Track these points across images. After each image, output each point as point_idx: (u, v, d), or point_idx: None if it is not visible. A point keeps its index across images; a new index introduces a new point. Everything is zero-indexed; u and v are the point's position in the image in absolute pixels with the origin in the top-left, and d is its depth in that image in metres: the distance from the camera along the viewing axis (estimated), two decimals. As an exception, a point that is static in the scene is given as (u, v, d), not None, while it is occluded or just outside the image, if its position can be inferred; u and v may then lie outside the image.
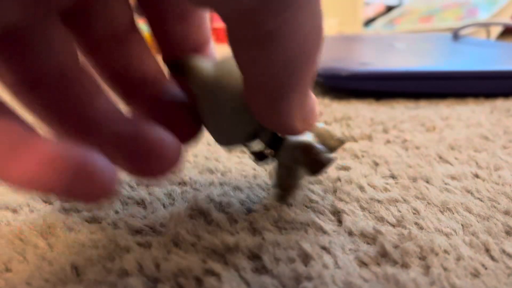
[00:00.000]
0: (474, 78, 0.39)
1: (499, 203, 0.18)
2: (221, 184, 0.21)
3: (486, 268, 0.14)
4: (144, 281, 0.13)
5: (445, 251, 0.15)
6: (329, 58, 0.47)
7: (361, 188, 0.20)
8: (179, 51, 0.15)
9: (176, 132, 0.14)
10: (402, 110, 0.35)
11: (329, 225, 0.17)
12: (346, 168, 0.23)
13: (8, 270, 0.14)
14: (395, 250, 0.15)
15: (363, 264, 0.14)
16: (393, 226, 0.17)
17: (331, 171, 0.22)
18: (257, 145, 0.17)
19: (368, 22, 1.37)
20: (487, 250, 0.15)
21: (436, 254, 0.15)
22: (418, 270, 0.14)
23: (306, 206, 0.19)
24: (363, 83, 0.39)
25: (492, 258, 0.15)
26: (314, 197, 0.19)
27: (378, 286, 0.13)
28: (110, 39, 0.14)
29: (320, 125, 0.18)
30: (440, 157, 0.24)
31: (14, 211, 0.18)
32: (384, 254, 0.15)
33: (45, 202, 0.19)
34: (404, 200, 0.19)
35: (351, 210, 0.18)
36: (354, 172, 0.22)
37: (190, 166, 0.23)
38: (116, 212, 0.18)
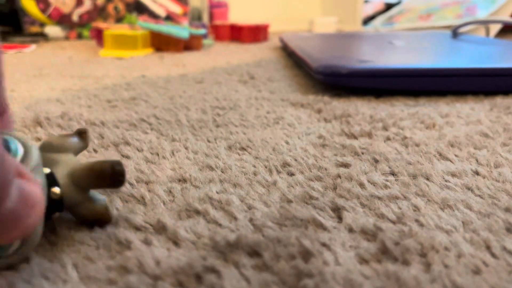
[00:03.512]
0: (473, 76, 0.38)
1: (499, 200, 0.18)
2: (221, 181, 0.21)
3: (487, 265, 0.14)
4: (144, 279, 0.13)
5: (446, 248, 0.15)
6: (329, 55, 0.47)
7: (361, 185, 0.20)
8: None
9: None
10: (401, 107, 0.35)
11: (329, 222, 0.17)
12: (346, 165, 0.23)
13: (9, 267, 0.14)
14: (396, 247, 0.15)
15: (363, 261, 0.14)
16: (394, 223, 0.17)
17: (331, 168, 0.22)
18: None
19: (368, 20, 1.37)
20: (488, 247, 0.15)
21: (437, 251, 0.15)
22: (419, 267, 0.14)
23: (306, 203, 0.18)
24: (363, 81, 0.39)
25: (493, 255, 0.15)
26: (314, 193, 0.19)
27: (378, 283, 0.13)
28: None
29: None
30: (440, 154, 0.24)
31: (14, 208, 0.18)
32: (384, 251, 0.15)
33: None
34: (404, 197, 0.19)
35: (351, 207, 0.18)
36: (354, 169, 0.22)
37: (190, 163, 0.23)
38: (117, 209, 0.18)
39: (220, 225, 0.17)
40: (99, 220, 0.16)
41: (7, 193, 0.10)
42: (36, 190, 0.11)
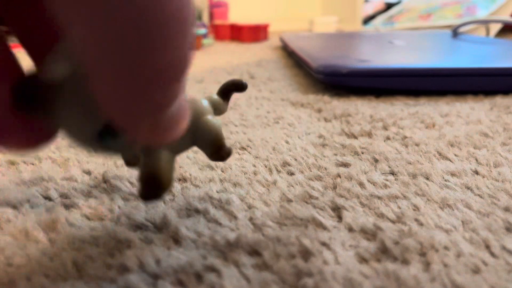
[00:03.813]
0: (473, 75, 0.39)
1: (499, 200, 0.18)
2: (221, 180, 0.21)
3: (486, 265, 0.14)
4: (144, 277, 0.13)
5: (445, 248, 0.15)
6: (329, 55, 0.47)
7: (361, 184, 0.20)
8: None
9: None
10: (401, 107, 0.35)
11: (329, 221, 0.17)
12: (346, 165, 0.23)
13: (9, 265, 0.14)
14: (395, 247, 0.15)
15: (363, 260, 0.15)
16: (393, 222, 0.17)
17: (331, 168, 0.22)
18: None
19: (368, 19, 1.37)
20: (487, 247, 0.15)
21: (436, 251, 0.15)
22: (419, 266, 0.14)
23: (306, 202, 0.19)
24: (363, 80, 0.39)
25: (492, 254, 0.15)
26: (314, 193, 0.19)
27: (378, 282, 0.13)
28: None
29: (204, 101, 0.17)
30: (440, 154, 0.24)
31: (15, 207, 0.18)
32: (384, 251, 0.15)
33: (46, 198, 0.19)
34: (404, 196, 0.19)
35: (351, 206, 0.18)
36: (354, 169, 0.22)
37: (190, 162, 0.23)
38: (118, 207, 0.18)
39: (220, 224, 0.17)
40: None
41: (173, 102, 0.11)
42: (186, 104, 0.12)
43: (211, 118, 0.16)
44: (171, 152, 0.16)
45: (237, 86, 0.18)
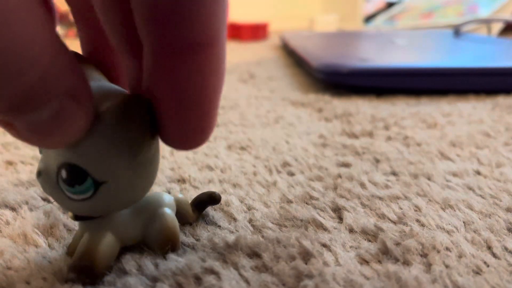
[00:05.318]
0: (475, 75, 0.38)
1: (501, 200, 0.18)
2: (220, 181, 0.21)
3: (488, 266, 0.14)
4: (143, 280, 0.13)
5: (447, 248, 0.15)
6: (329, 54, 0.47)
7: (362, 185, 0.20)
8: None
9: None
10: (403, 106, 0.35)
11: (329, 222, 0.17)
12: (347, 165, 0.23)
13: (9, 268, 0.14)
14: (397, 248, 0.15)
15: (364, 261, 0.14)
16: (394, 223, 0.17)
17: (332, 168, 0.22)
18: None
19: (369, 18, 1.37)
20: (489, 248, 0.15)
21: (438, 252, 0.15)
22: (420, 267, 0.14)
23: (306, 203, 0.18)
24: (364, 80, 0.39)
25: (494, 255, 0.15)
26: (314, 193, 0.19)
27: (379, 283, 0.13)
28: None
29: (180, 195, 0.17)
30: (442, 154, 0.24)
31: (13, 209, 0.18)
32: (385, 252, 0.15)
33: (44, 199, 0.19)
34: (406, 197, 0.19)
35: (352, 207, 0.18)
36: (355, 169, 0.22)
37: (189, 163, 0.23)
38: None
39: (219, 226, 0.17)
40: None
41: (41, 105, 0.09)
42: (81, 118, 0.10)
43: (169, 211, 0.15)
44: (118, 239, 0.14)
45: (212, 199, 0.17)
